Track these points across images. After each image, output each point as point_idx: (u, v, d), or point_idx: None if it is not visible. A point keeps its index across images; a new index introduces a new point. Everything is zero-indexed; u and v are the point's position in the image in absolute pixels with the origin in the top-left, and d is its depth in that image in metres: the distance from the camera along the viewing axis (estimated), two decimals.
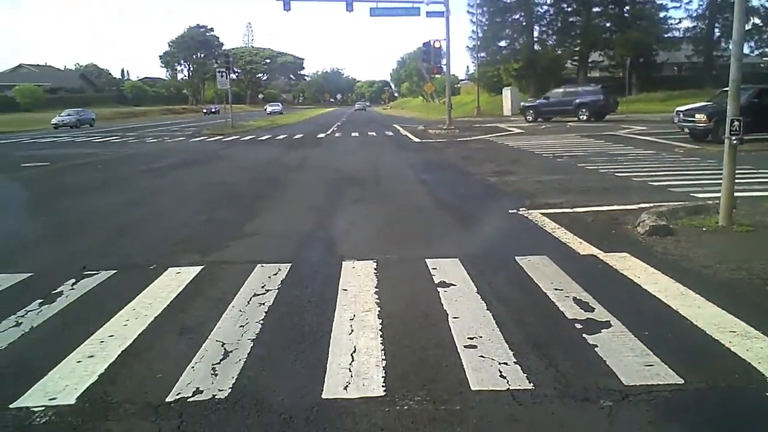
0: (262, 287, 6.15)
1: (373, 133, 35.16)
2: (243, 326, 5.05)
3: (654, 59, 58.46)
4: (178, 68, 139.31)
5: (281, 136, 34.11)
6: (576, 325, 4.91)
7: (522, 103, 43.28)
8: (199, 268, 6.95)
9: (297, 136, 33.89)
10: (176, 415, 3.64)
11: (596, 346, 4.47)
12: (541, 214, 9.62)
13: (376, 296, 5.75)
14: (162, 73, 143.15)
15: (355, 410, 3.64)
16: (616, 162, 16.38)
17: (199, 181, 15.57)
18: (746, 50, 47.95)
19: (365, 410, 3.64)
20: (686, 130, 21.63)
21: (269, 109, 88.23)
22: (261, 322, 5.16)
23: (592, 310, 5.22)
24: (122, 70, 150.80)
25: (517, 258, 6.95)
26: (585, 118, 36.64)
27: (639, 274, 6.28)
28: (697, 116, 20.80)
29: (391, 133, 34.76)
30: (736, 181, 8.31)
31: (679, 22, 57.91)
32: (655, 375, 3.98)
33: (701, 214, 8.93)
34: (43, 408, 3.76)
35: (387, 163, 19.11)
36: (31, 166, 20.38)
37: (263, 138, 33.27)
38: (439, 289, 5.94)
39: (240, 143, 29.99)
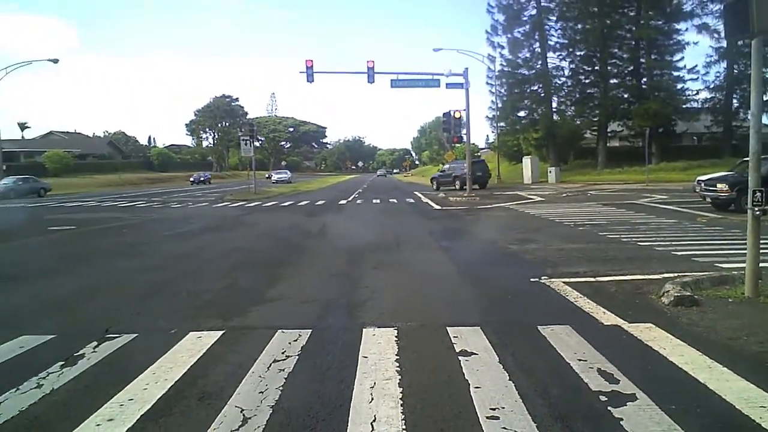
0: (282, 353, 6.13)
1: (394, 200, 35.42)
2: (262, 392, 5.02)
3: (673, 129, 58.76)
4: (204, 136, 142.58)
5: (303, 202, 34.47)
6: (601, 397, 4.81)
7: (432, 176, 54.21)
8: (220, 333, 6.97)
9: (319, 203, 34.23)
10: None
11: (621, 419, 4.37)
12: (563, 282, 9.55)
13: (397, 364, 5.70)
14: (188, 141, 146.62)
15: None
16: (638, 231, 16.30)
17: (222, 247, 15.70)
18: (765, 120, 48.12)
19: None
20: (708, 199, 21.56)
21: (274, 177, 75.77)
22: (281, 388, 5.12)
23: (617, 382, 5.13)
24: (149, 138, 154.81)
25: (539, 327, 6.88)
26: (458, 187, 45.04)
27: (664, 345, 6.18)
28: (719, 186, 20.76)
29: (411, 200, 34.98)
30: (762, 251, 8.23)
31: (697, 93, 58.27)
32: None
33: (726, 284, 8.82)
34: None
35: (407, 229, 19.18)
36: (58, 230, 20.73)
37: (285, 204, 33.63)
38: (460, 358, 5.88)
39: (262, 209, 30.31)
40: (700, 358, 5.74)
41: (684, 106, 56.50)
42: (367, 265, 12.05)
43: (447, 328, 6.92)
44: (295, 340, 6.57)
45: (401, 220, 22.84)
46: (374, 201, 35.25)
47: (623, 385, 5.04)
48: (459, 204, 30.70)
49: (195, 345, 6.50)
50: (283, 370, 5.61)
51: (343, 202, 35.15)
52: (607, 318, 7.37)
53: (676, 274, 9.50)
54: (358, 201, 35.93)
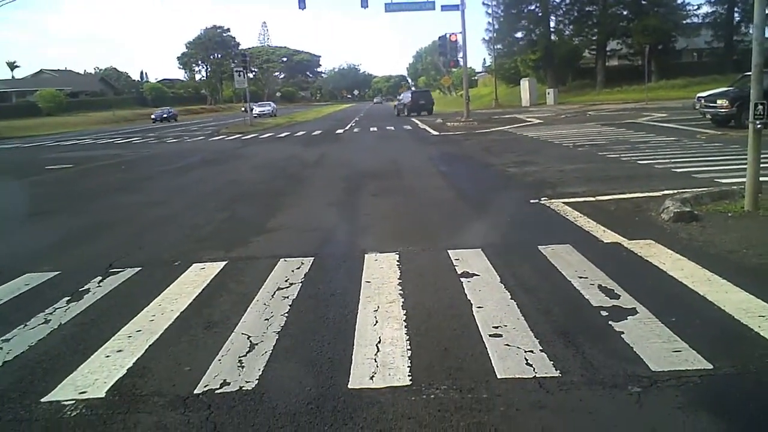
0: (286, 281, 6.18)
1: (392, 128, 35.13)
2: (268, 319, 5.08)
3: (673, 46, 57.75)
4: (196, 69, 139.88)
5: (300, 133, 34.21)
6: (602, 312, 4.87)
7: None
8: (223, 263, 7.01)
9: (315, 133, 33.96)
10: (204, 406, 3.67)
11: (623, 333, 4.44)
12: (563, 203, 9.56)
13: (400, 288, 5.75)
14: (180, 75, 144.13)
15: (381, 399, 3.65)
16: (638, 150, 16.21)
17: (220, 180, 15.65)
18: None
19: (391, 399, 3.65)
20: (708, 116, 21.35)
21: (256, 110, 63.65)
22: (286, 315, 5.19)
23: (618, 297, 5.18)
24: (141, 73, 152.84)
25: (540, 247, 6.92)
26: (405, 114, 49.94)
27: (664, 260, 6.22)
28: (719, 101, 20.51)
29: (409, 127, 34.70)
30: (762, 165, 8.19)
31: (698, 7, 57.46)
32: (683, 361, 3.94)
33: (726, 199, 8.82)
34: (73, 401, 3.82)
35: (406, 156, 19.08)
36: (55, 168, 20.64)
37: (282, 135, 33.38)
38: (462, 279, 5.93)
39: (259, 141, 30.11)
40: (699, 272, 5.78)
41: (684, 22, 55.19)
42: (367, 192, 12.04)
43: (448, 251, 6.96)
44: (298, 268, 6.62)
45: (399, 147, 22.71)
46: (371, 129, 34.98)
47: (624, 300, 5.09)
48: (457, 129, 30.45)
49: (199, 276, 6.55)
50: (287, 297, 5.66)
51: (340, 131, 34.90)
52: (607, 236, 7.40)
53: (675, 191, 9.49)
54: (355, 130, 35.66)
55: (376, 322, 4.89)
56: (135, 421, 3.56)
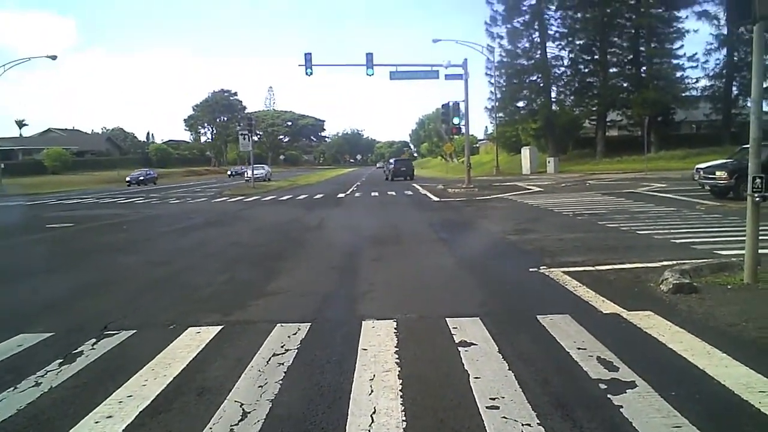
0: (282, 347, 6.12)
1: (393, 193, 35.39)
2: (262, 386, 5.00)
3: (672, 118, 58.75)
4: (202, 131, 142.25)
5: (302, 196, 34.45)
6: (600, 385, 4.80)
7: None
8: (219, 327, 6.95)
9: (317, 196, 34.20)
10: None
11: (621, 406, 4.36)
12: (562, 272, 9.54)
13: (396, 356, 5.69)
14: (186, 136, 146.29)
15: None
16: (637, 219, 16.28)
17: (221, 242, 15.69)
18: (765, 108, 48.03)
19: None
20: (707, 187, 21.54)
21: (248, 174, 56.95)
22: (280, 382, 5.11)
23: (617, 369, 5.12)
24: (147, 134, 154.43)
25: (538, 317, 6.87)
26: (391, 179, 55.70)
27: (663, 332, 6.17)
28: (718, 173, 20.72)
29: (410, 192, 34.96)
30: (761, 238, 8.21)
31: (697, 81, 57.97)
32: None
33: (725, 271, 8.81)
34: None
35: (406, 222, 19.16)
36: (57, 227, 20.70)
37: (284, 198, 33.61)
38: (460, 348, 5.86)
39: (261, 204, 30.29)
40: (699, 345, 5.73)
41: (683, 94, 56.25)
42: (367, 258, 12.04)
43: (446, 319, 6.91)
44: (295, 334, 6.56)
45: (400, 213, 22.83)
46: (373, 194, 35.23)
47: (622, 373, 5.03)
48: (457, 195, 30.68)
49: (194, 340, 6.49)
50: (283, 363, 5.59)
51: (341, 195, 35.13)
52: (606, 306, 7.35)
53: (675, 262, 9.48)
54: (357, 194, 35.91)
55: (372, 391, 4.81)
56: None
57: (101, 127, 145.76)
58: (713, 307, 7.06)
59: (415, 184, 44.35)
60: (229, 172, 78.09)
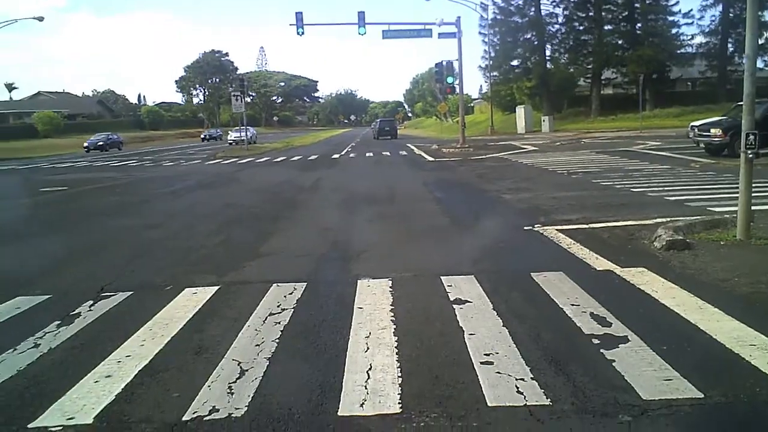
0: (278, 306, 6.16)
1: (387, 153, 35.29)
2: (259, 345, 5.05)
3: (667, 75, 58.33)
4: (194, 93, 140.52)
5: (296, 158, 34.32)
6: (593, 340, 4.87)
7: None
8: (215, 288, 6.99)
9: (312, 157, 34.07)
10: None
11: (614, 361, 4.43)
12: (556, 230, 9.59)
13: (392, 314, 5.74)
14: (178, 98, 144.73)
15: (371, 427, 3.63)
16: (632, 177, 16.31)
17: (215, 203, 15.67)
18: (760, 64, 47.81)
19: (381, 427, 3.62)
20: (701, 144, 21.54)
21: (232, 135, 56.91)
22: (277, 341, 5.16)
23: (610, 325, 5.18)
24: (139, 96, 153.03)
25: (532, 274, 6.92)
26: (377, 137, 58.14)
27: (656, 288, 6.23)
28: (713, 131, 20.70)
29: (405, 153, 34.86)
30: (753, 194, 8.24)
31: (692, 38, 57.54)
32: (674, 389, 3.93)
33: (718, 228, 8.86)
34: (60, 428, 3.77)
35: (401, 182, 19.16)
36: (50, 191, 20.63)
37: (278, 160, 33.49)
38: (454, 306, 5.92)
39: (255, 165, 30.18)
40: (691, 300, 5.79)
41: (678, 52, 55.81)
42: (362, 218, 12.07)
43: (441, 277, 6.96)
44: (291, 293, 6.60)
45: (394, 173, 22.80)
46: (367, 154, 35.13)
47: (615, 328, 5.09)
48: (452, 155, 30.62)
49: (190, 301, 6.52)
50: (279, 323, 5.64)
51: (336, 156, 35.01)
52: (600, 263, 7.42)
53: (668, 219, 9.54)
54: (351, 155, 35.80)
55: (368, 348, 4.87)
56: None
57: (92, 89, 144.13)
58: (706, 263, 7.13)
59: (409, 144, 44.19)
60: (202, 136, 72.12)
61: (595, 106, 57.51)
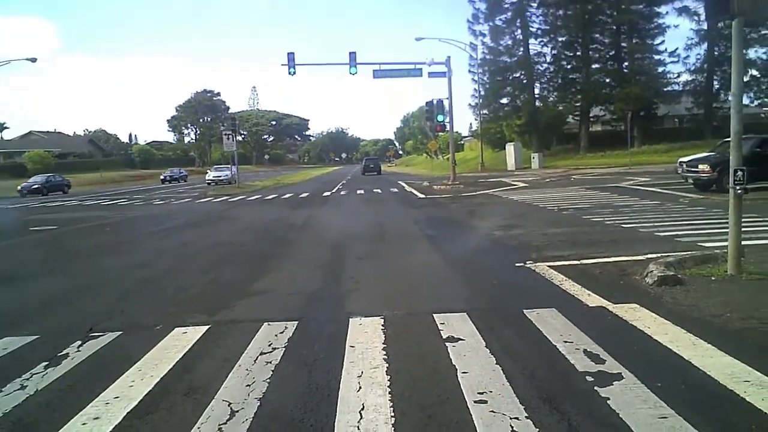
0: (269, 345, 6.10)
1: (378, 190, 35.39)
2: (250, 385, 4.99)
3: (655, 112, 59.26)
4: (186, 131, 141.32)
5: (287, 195, 34.34)
6: (587, 377, 4.83)
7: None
8: (206, 327, 6.92)
9: (303, 195, 34.10)
10: None
11: (608, 398, 4.39)
12: (548, 266, 9.59)
13: (384, 353, 5.69)
14: (170, 137, 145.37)
15: None
16: (622, 213, 16.40)
17: (206, 242, 15.60)
18: (746, 101, 48.53)
19: None
20: (690, 180, 21.75)
21: (210, 175, 55.16)
22: (268, 380, 5.10)
23: (603, 362, 5.15)
24: (130, 135, 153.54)
25: (525, 311, 6.90)
26: (363, 173, 63.61)
27: (649, 324, 6.22)
28: (701, 167, 20.92)
29: (396, 190, 34.98)
30: (743, 229, 8.29)
31: (678, 76, 58.73)
32: (670, 428, 3.90)
33: (709, 263, 8.88)
34: None
35: (392, 219, 19.17)
36: (40, 230, 20.50)
37: (269, 197, 33.49)
38: (447, 344, 5.88)
39: (246, 203, 30.17)
40: (684, 336, 5.78)
41: (665, 89, 56.82)
42: (353, 256, 12.03)
43: (433, 315, 6.93)
44: (282, 332, 6.55)
45: (385, 210, 22.83)
46: (358, 192, 35.20)
47: (609, 365, 5.06)
48: (443, 192, 30.74)
49: (180, 341, 6.45)
50: (270, 362, 5.58)
51: (327, 193, 35.06)
52: (592, 300, 7.40)
53: (659, 255, 9.56)
54: (342, 192, 35.86)
55: (360, 387, 4.81)
56: None
57: (83, 129, 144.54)
58: (698, 299, 7.13)
59: (400, 182, 44.34)
60: (162, 177, 64.41)
61: (584, 143, 58.16)
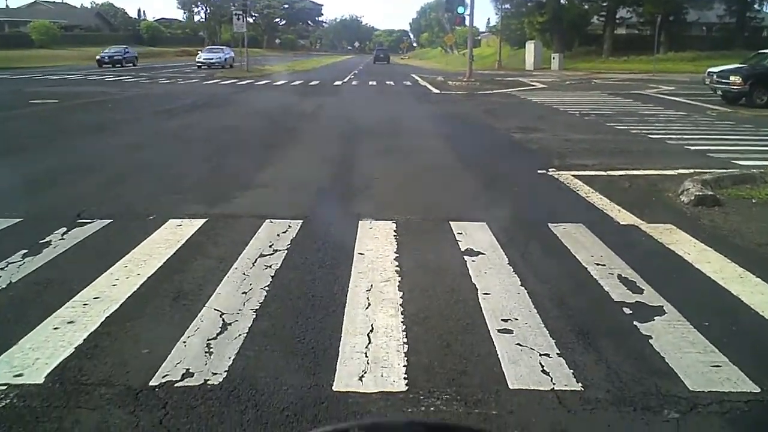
0: (270, 246, 5.55)
1: (391, 83, 34.14)
2: (246, 293, 4.47)
3: (684, 18, 56.38)
4: (196, 10, 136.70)
5: (297, 82, 33.15)
6: (624, 309, 4.28)
7: None
8: (203, 221, 6.37)
9: (313, 83, 32.90)
10: (159, 404, 3.08)
11: (650, 337, 3.85)
12: (572, 175, 8.91)
13: (396, 263, 5.14)
14: (179, 15, 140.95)
15: (371, 408, 3.07)
16: (647, 123, 15.53)
17: (210, 126, 14.88)
18: None
19: (383, 409, 3.06)
20: (719, 92, 20.60)
21: (202, 57, 50.45)
22: (266, 288, 4.57)
23: (641, 291, 4.58)
24: (138, 10, 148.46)
25: (550, 225, 6.30)
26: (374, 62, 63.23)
27: (688, 250, 5.62)
28: (732, 78, 19.75)
29: (409, 83, 33.75)
30: None
31: None
32: (725, 380, 3.36)
33: (748, 183, 8.23)
34: (5, 387, 3.20)
35: (405, 114, 18.28)
36: (39, 103, 19.70)
37: (278, 83, 32.34)
38: (465, 257, 5.32)
39: (254, 87, 29.09)
40: (729, 266, 5.19)
41: None
42: (364, 151, 11.35)
43: (450, 222, 6.35)
44: (284, 232, 5.99)
45: (398, 104, 21.90)
46: (370, 83, 33.97)
47: (648, 296, 4.50)
48: (458, 89, 29.57)
49: (174, 234, 5.91)
50: (270, 266, 5.04)
51: (338, 83, 33.84)
52: (623, 217, 6.79)
53: (693, 171, 8.87)
54: (354, 82, 34.63)
55: (369, 304, 4.29)
56: (73, 420, 2.96)
57: (90, 1, 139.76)
58: (739, 223, 6.52)
59: (414, 75, 42.87)
60: (98, 57, 50.57)
61: (607, 46, 55.82)
